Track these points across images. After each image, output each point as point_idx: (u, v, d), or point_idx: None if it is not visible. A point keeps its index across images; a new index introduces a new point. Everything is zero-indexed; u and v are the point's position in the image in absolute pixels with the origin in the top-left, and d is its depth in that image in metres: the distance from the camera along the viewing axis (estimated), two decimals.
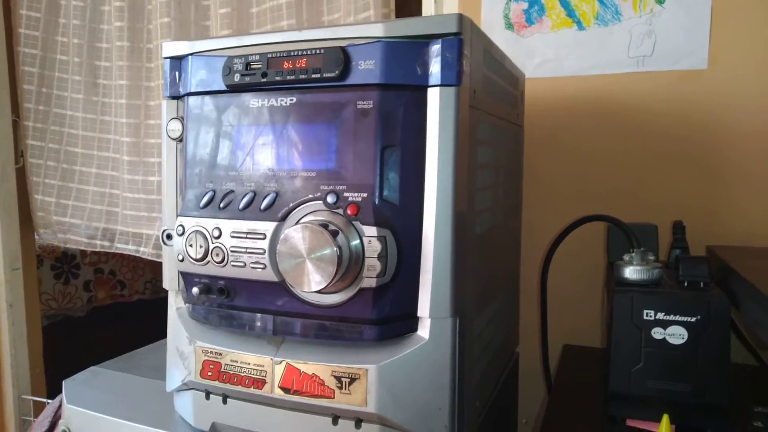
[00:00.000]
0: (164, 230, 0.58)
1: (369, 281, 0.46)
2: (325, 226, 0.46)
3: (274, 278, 0.49)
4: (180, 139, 0.55)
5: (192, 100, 0.54)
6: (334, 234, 0.46)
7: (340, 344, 0.50)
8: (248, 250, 0.50)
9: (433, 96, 0.47)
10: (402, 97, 0.47)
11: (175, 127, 0.55)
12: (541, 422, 0.63)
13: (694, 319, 0.55)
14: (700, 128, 0.80)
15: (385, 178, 0.47)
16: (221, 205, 0.52)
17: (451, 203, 0.47)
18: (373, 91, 0.47)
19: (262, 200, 0.50)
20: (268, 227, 0.49)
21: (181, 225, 0.53)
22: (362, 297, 0.47)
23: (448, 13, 0.93)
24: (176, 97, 0.56)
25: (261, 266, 0.49)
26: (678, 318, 0.55)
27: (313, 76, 0.48)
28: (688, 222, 0.73)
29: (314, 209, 0.48)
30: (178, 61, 0.56)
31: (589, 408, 0.63)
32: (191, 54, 0.54)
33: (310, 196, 0.48)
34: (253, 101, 0.51)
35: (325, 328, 0.50)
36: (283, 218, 0.49)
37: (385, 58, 0.46)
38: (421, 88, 0.47)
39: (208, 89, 0.53)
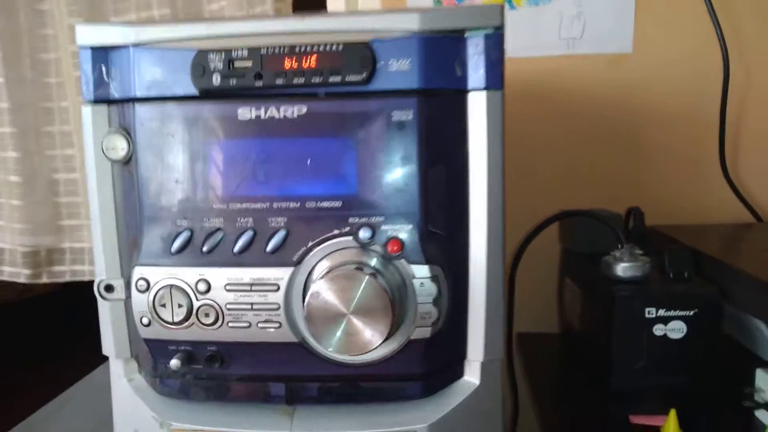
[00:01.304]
0: (101, 281, 0.43)
1: (422, 331, 0.38)
2: (360, 269, 0.37)
3: (292, 339, 0.39)
4: (127, 161, 0.40)
5: (143, 108, 0.39)
6: (374, 278, 0.37)
7: (373, 406, 0.41)
8: (255, 307, 0.38)
9: (477, 102, 0.39)
10: (441, 105, 0.39)
11: (118, 144, 0.40)
12: (540, 430, 0.61)
13: (692, 313, 0.55)
14: (629, 112, 0.82)
15: (431, 203, 0.39)
16: (205, 248, 0.39)
17: (501, 227, 0.40)
18: (412, 99, 0.37)
19: (268, 240, 0.39)
20: (281, 275, 0.38)
21: (143, 278, 0.39)
22: (411, 349, 0.39)
23: None
24: (106, 102, 0.41)
25: (275, 325, 0.38)
26: (678, 313, 0.55)
27: (332, 79, 0.37)
28: (623, 203, 0.75)
29: (338, 247, 0.39)
30: (105, 53, 0.41)
31: (582, 407, 0.62)
32: (135, 45, 0.39)
33: (336, 231, 0.38)
34: (243, 111, 0.38)
35: (358, 388, 0.41)
36: (299, 262, 0.38)
37: (424, 58, 0.37)
38: (461, 93, 0.39)
39: (168, 94, 0.39)
